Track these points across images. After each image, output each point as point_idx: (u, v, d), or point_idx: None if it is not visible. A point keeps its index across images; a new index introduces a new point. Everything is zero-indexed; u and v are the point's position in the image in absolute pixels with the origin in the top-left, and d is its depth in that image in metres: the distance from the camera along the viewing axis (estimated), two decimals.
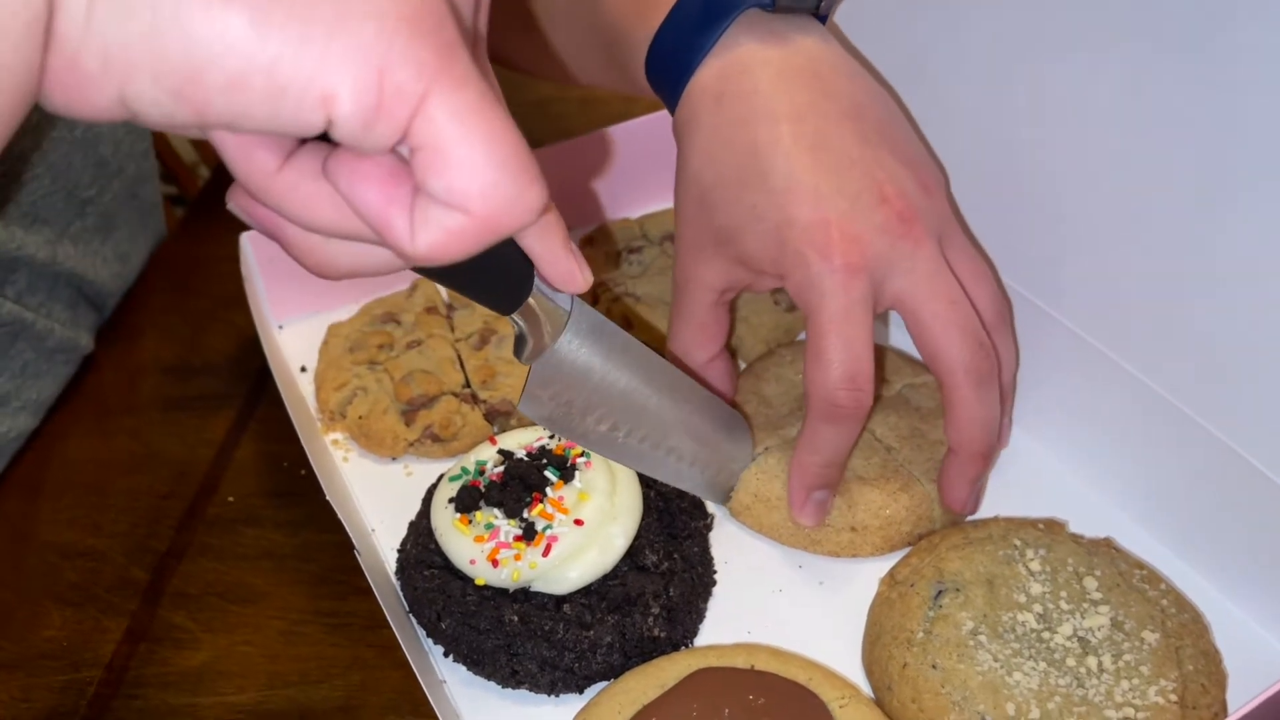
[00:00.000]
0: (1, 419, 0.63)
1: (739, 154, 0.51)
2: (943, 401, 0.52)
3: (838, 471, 0.54)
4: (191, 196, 1.19)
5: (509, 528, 0.50)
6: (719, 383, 0.58)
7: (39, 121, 0.63)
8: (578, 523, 0.50)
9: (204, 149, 1.28)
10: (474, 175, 0.30)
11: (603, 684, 0.50)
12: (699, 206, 0.53)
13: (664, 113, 0.57)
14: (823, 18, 0.55)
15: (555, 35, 0.66)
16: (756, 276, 0.53)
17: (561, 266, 0.39)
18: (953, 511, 0.56)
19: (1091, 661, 0.47)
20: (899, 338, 0.66)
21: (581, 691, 0.50)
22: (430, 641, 0.52)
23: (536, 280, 0.41)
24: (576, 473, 0.51)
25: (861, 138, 0.51)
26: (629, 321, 0.66)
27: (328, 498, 0.52)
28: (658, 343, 0.65)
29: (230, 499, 0.62)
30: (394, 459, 0.62)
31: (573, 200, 0.74)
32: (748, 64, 0.52)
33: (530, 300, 0.42)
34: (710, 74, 0.53)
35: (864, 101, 0.53)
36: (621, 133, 0.73)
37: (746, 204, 0.51)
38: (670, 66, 0.54)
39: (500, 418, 0.61)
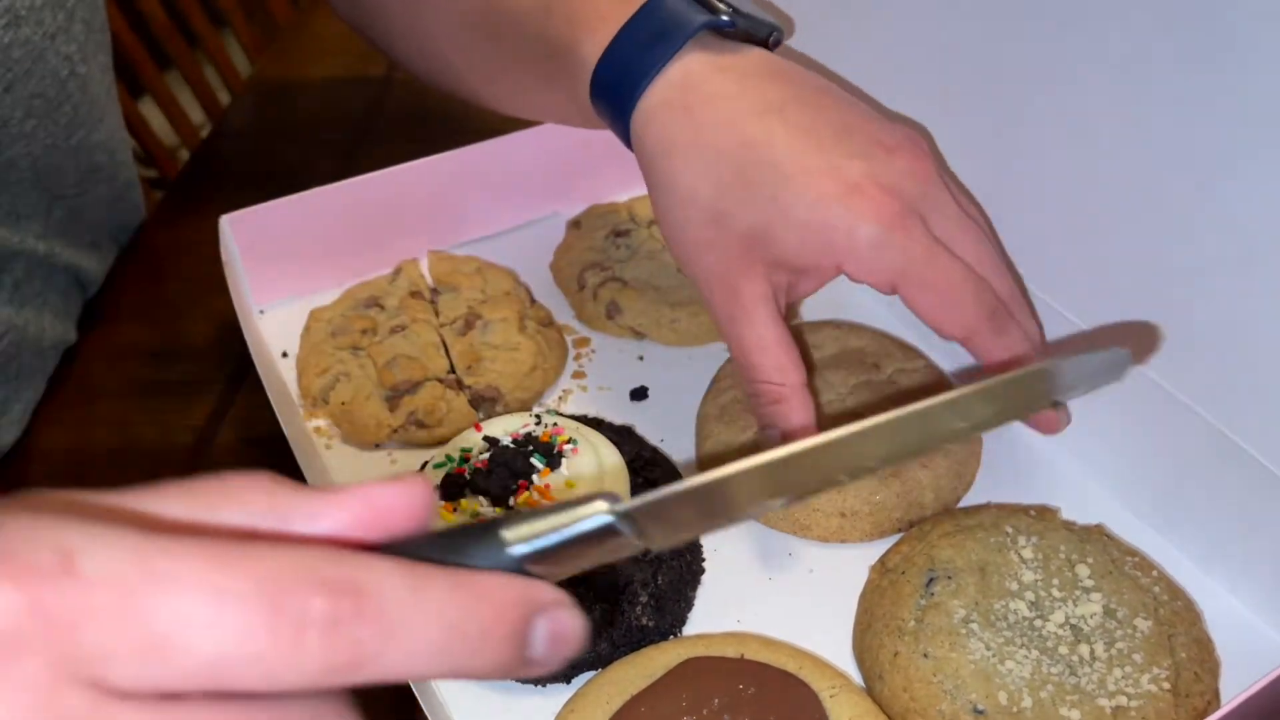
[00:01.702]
0: (5, 429, 0.62)
1: (734, 154, 0.49)
2: (976, 355, 0.50)
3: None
4: (171, 179, 1.17)
5: (495, 516, 0.49)
6: (807, 404, 0.51)
7: (34, 129, 0.62)
8: None
9: (183, 131, 1.26)
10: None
11: (590, 674, 0.49)
12: (710, 222, 0.50)
13: None
14: (772, 47, 0.53)
15: (476, 48, 0.61)
16: (798, 276, 0.51)
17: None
18: (1047, 433, 0.54)
19: (1084, 649, 0.46)
20: (888, 319, 0.65)
21: (569, 681, 0.50)
22: None
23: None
24: (563, 460, 0.51)
25: (843, 115, 0.51)
26: (617, 306, 0.66)
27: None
28: (661, 323, 0.64)
29: None
30: (377, 446, 0.61)
31: (558, 183, 0.73)
32: (706, 74, 0.50)
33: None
34: (668, 88, 0.50)
35: (831, 95, 0.52)
36: None
37: (765, 198, 0.48)
38: (620, 82, 0.51)
39: (485, 404, 0.60)
